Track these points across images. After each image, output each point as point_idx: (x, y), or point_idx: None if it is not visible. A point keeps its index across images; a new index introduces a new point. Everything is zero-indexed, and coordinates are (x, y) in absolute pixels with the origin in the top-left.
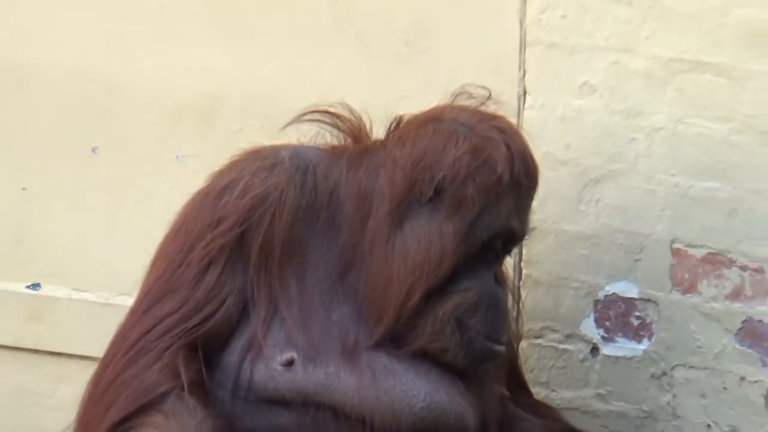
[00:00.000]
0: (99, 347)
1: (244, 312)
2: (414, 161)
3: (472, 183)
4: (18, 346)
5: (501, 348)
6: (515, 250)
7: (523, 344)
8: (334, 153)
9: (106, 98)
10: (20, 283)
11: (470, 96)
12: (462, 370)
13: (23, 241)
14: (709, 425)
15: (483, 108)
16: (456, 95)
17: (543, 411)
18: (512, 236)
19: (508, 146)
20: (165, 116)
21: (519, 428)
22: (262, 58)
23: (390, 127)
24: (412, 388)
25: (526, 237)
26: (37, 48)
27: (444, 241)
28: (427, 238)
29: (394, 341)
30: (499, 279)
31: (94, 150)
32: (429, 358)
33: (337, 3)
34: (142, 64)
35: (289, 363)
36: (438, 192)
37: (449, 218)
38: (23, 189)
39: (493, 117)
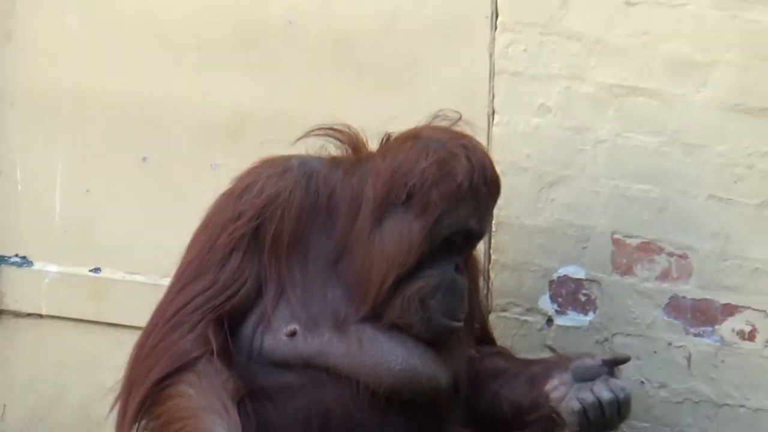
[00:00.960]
0: (147, 319)
1: (258, 291)
2: (392, 171)
3: (435, 189)
4: (83, 318)
5: (457, 324)
6: (485, 240)
7: (492, 316)
8: (334, 162)
9: (155, 118)
10: (84, 268)
11: (445, 118)
12: (432, 340)
13: (87, 234)
14: (642, 382)
15: (455, 128)
16: (434, 117)
17: (506, 353)
18: (470, 234)
19: (469, 159)
20: (202, 132)
21: (488, 362)
22: (280, 86)
23: (381, 142)
24: (391, 354)
25: (486, 234)
26: (100, 78)
27: (412, 236)
28: (399, 234)
29: (375, 316)
30: (460, 268)
31: (144, 159)
32: (405, 330)
33: (339, 41)
34: (184, 91)
35: (292, 334)
36: (409, 196)
37: (417, 218)
38: (87, 191)
39: (462, 136)
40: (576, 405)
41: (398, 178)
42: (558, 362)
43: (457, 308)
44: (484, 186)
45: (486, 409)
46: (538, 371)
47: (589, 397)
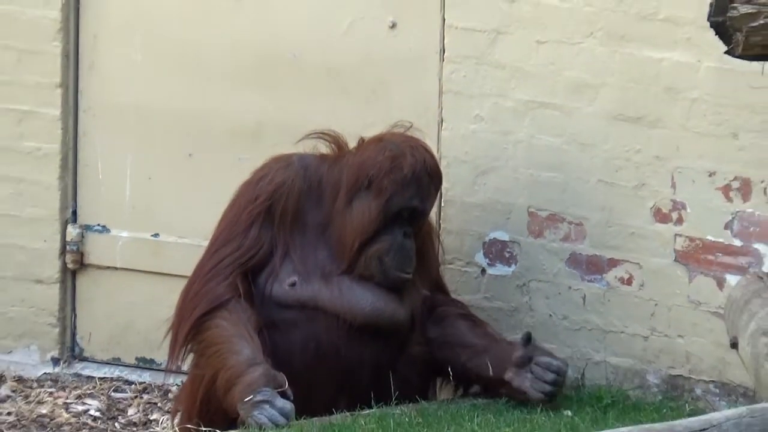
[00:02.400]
0: (191, 271)
1: (270, 253)
2: (359, 164)
3: (387, 178)
4: (146, 270)
5: (407, 275)
6: (437, 213)
7: (442, 268)
8: (323, 158)
9: (196, 124)
10: (147, 233)
11: (402, 126)
12: (390, 287)
13: (149, 209)
14: (550, 315)
15: (408, 133)
16: (394, 125)
17: (453, 301)
18: (413, 210)
19: (414, 155)
20: (231, 135)
21: (448, 321)
22: (287, 101)
23: (357, 143)
24: (363, 298)
25: (431, 210)
26: (156, 96)
27: (371, 212)
28: (362, 211)
29: (350, 271)
30: (408, 234)
31: (190, 155)
32: (370, 280)
33: (330, 70)
34: (217, 104)
35: (293, 284)
36: (370, 183)
37: (375, 198)
38: (149, 178)
39: (411, 138)
40: (537, 395)
41: (363, 169)
42: (507, 351)
43: (405, 264)
44: (426, 176)
45: (457, 371)
46: (496, 356)
47: (541, 387)
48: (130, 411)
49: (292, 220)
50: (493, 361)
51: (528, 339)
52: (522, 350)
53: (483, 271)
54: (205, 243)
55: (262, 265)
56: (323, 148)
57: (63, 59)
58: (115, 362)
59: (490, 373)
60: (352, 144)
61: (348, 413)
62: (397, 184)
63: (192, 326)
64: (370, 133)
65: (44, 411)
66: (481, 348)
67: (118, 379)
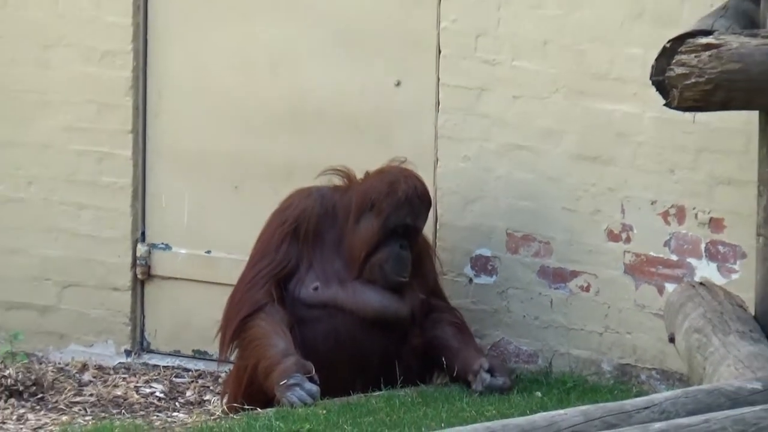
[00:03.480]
0: (236, 281)
1: (297, 265)
2: (364, 191)
3: (385, 201)
4: (201, 280)
5: (403, 279)
6: (434, 233)
7: (439, 278)
8: (337, 189)
9: (240, 164)
10: (201, 250)
11: (399, 161)
12: (393, 289)
13: (203, 231)
14: (524, 316)
15: (403, 166)
16: (392, 160)
17: (449, 308)
18: (407, 227)
19: (406, 183)
20: (269, 172)
21: (440, 324)
22: (313, 144)
23: (364, 176)
24: (372, 298)
25: (423, 227)
26: (210, 141)
27: (373, 229)
28: (366, 228)
29: (359, 277)
30: (404, 246)
31: (236, 188)
32: (375, 284)
33: (347, 118)
34: (257, 148)
35: (316, 288)
36: (372, 206)
37: (375, 218)
38: (203, 206)
39: (405, 170)
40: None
41: (367, 195)
42: (475, 358)
43: (401, 270)
44: (417, 198)
45: (442, 365)
46: (466, 361)
47: (488, 393)
48: (188, 393)
49: (313, 238)
50: (463, 364)
51: (492, 370)
52: (484, 371)
53: (470, 280)
54: (247, 257)
55: (291, 274)
56: (337, 180)
57: (134, 111)
58: (176, 353)
59: (454, 374)
60: (360, 176)
61: (362, 394)
62: (393, 206)
63: (237, 326)
64: (372, 167)
65: (119, 393)
66: (456, 351)
67: (178, 367)
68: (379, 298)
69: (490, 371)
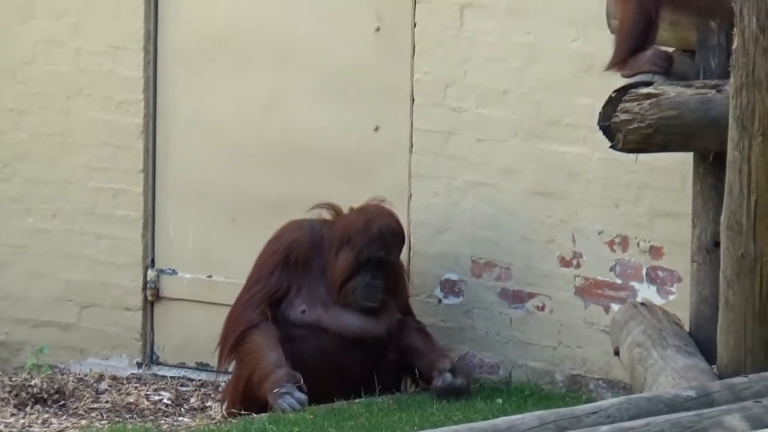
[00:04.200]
0: (233, 302)
1: (287, 290)
2: (344, 226)
3: (359, 236)
4: (203, 300)
5: (374, 304)
6: (408, 260)
7: (412, 299)
8: (325, 222)
9: (239, 198)
10: (204, 275)
11: (378, 199)
12: (365, 312)
13: (206, 258)
14: (487, 332)
15: (381, 204)
16: (372, 199)
17: (420, 326)
18: (379, 259)
19: (381, 219)
20: (264, 205)
21: (407, 332)
22: (304, 181)
23: (348, 211)
24: (351, 321)
25: (397, 258)
26: (206, 178)
27: (349, 260)
28: (344, 259)
29: (339, 301)
30: (376, 276)
31: (233, 220)
32: (351, 308)
33: (334, 159)
34: (254, 183)
35: (303, 311)
36: (349, 240)
37: (350, 251)
38: (205, 236)
39: (383, 207)
40: (442, 398)
41: (346, 230)
42: (439, 360)
43: (371, 297)
44: (390, 235)
45: (411, 368)
46: (430, 362)
47: (445, 395)
48: (192, 400)
49: (302, 266)
50: (428, 363)
51: (453, 370)
52: (446, 372)
53: (440, 301)
54: (243, 281)
55: (282, 298)
56: (326, 214)
57: (144, 152)
58: (181, 365)
59: (417, 375)
60: (345, 211)
61: (345, 401)
62: (367, 240)
63: (234, 341)
64: (356, 203)
65: (131, 400)
66: (422, 353)
67: (183, 377)
68: (357, 320)
69: (452, 371)
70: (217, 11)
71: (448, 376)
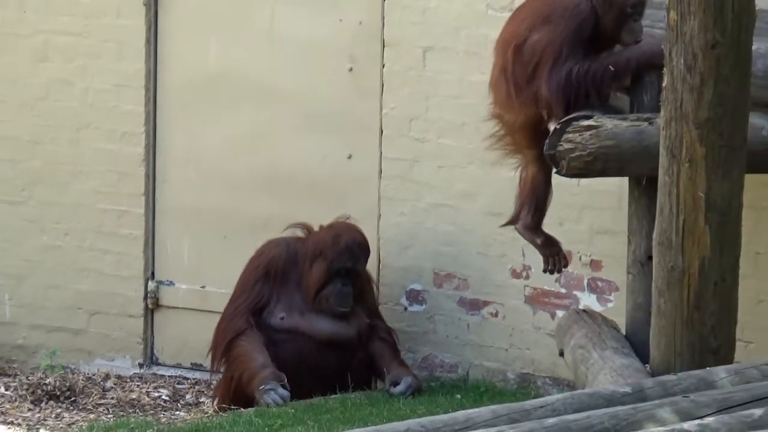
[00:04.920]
0: (222, 311)
1: (268, 300)
2: (316, 242)
3: (330, 249)
4: (198, 308)
5: (345, 310)
6: (377, 273)
7: (381, 306)
8: (299, 239)
9: (229, 219)
10: (197, 285)
11: (345, 217)
12: (340, 316)
13: (199, 271)
14: (447, 336)
15: (348, 221)
16: (340, 217)
17: (386, 329)
18: (348, 269)
19: (348, 234)
20: (251, 225)
21: (373, 340)
22: (286, 204)
23: (318, 228)
24: (325, 324)
25: (364, 268)
26: (203, 200)
27: (321, 271)
28: (317, 270)
29: (314, 308)
30: (346, 284)
31: (225, 237)
32: (325, 313)
33: (312, 185)
34: (241, 206)
35: (282, 318)
36: (321, 253)
37: (323, 263)
38: (199, 252)
39: (349, 224)
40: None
41: (318, 245)
42: (398, 372)
43: (343, 303)
44: (357, 247)
45: (377, 371)
46: (392, 371)
47: (400, 394)
48: (187, 396)
49: (280, 279)
50: (383, 372)
51: (400, 380)
52: (397, 381)
53: (405, 308)
54: (229, 293)
55: (264, 307)
56: (299, 232)
57: (145, 178)
58: (178, 366)
59: (374, 382)
60: (316, 229)
61: (321, 397)
62: (337, 253)
63: (225, 346)
64: (326, 221)
65: (134, 396)
66: (380, 361)
67: (179, 376)
68: (330, 325)
69: (397, 383)
70: (209, 55)
71: (395, 389)
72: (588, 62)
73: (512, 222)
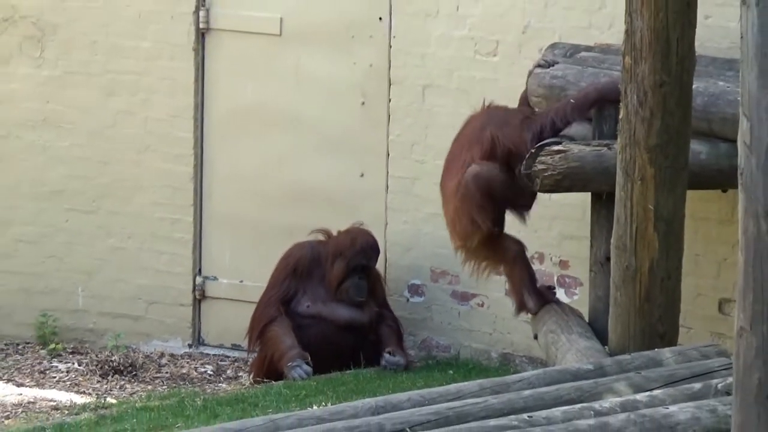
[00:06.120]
0: (257, 301)
1: (296, 292)
2: (336, 244)
3: (348, 250)
4: (237, 299)
5: (361, 299)
6: (384, 270)
7: (387, 298)
8: (320, 242)
9: (262, 229)
10: (236, 280)
11: (359, 224)
12: (356, 305)
13: (239, 268)
14: (441, 322)
15: (361, 227)
16: (354, 223)
17: (392, 317)
18: (363, 266)
19: (362, 238)
20: (279, 233)
21: (380, 326)
22: (308, 215)
23: (337, 234)
24: (343, 312)
25: (375, 265)
26: (242, 212)
27: (341, 268)
28: (337, 267)
29: (335, 298)
30: (362, 278)
31: (259, 241)
32: (344, 302)
33: (329, 199)
34: (272, 217)
35: (308, 307)
36: (340, 254)
37: (342, 261)
38: (239, 253)
39: (362, 229)
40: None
41: (338, 247)
42: (395, 350)
43: (359, 294)
44: (369, 248)
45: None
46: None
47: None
48: (228, 371)
49: (306, 275)
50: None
51: (394, 353)
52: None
53: (407, 300)
54: (264, 285)
55: (292, 298)
56: (321, 236)
57: (194, 192)
58: (220, 346)
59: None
60: (335, 233)
61: (339, 372)
62: (354, 253)
63: (259, 330)
64: (343, 228)
65: (184, 371)
66: (381, 342)
67: (222, 355)
68: (347, 312)
69: (393, 353)
70: (246, 91)
71: (389, 357)
72: (549, 114)
73: (521, 311)
